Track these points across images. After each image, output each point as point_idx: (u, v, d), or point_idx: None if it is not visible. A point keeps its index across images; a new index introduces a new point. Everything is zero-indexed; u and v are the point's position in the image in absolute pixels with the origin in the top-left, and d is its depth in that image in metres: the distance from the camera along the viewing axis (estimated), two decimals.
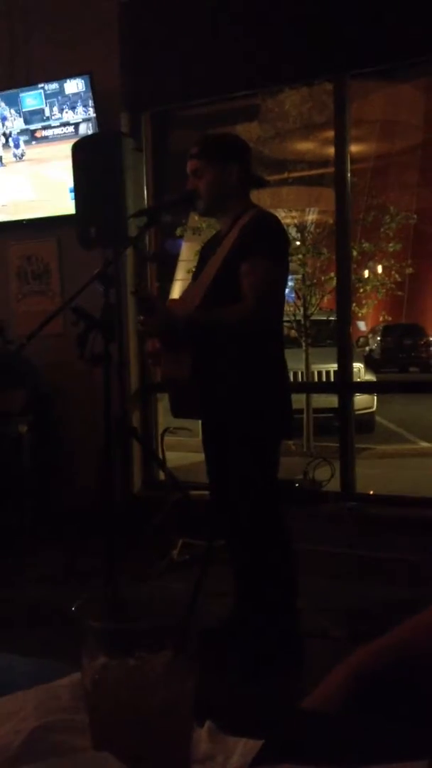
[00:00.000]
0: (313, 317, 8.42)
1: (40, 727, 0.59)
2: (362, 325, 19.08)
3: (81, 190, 3.73)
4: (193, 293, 2.58)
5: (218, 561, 2.41)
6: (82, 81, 4.12)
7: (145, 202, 4.24)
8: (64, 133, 4.26)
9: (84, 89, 4.13)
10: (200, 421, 2.71)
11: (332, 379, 7.03)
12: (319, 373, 8.00)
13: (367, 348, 18.89)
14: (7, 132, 4.45)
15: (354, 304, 8.10)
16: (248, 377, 2.41)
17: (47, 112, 4.31)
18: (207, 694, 0.63)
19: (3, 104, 4.42)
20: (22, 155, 4.45)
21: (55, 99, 4.26)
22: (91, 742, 0.56)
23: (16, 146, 4.44)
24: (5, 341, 4.18)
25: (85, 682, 0.55)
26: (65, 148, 3.94)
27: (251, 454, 2.45)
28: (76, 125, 4.22)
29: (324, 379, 7.96)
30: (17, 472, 4.00)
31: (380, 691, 0.78)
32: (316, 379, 8.04)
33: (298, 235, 8.51)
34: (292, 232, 8.30)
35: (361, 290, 9.16)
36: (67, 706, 0.63)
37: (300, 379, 7.71)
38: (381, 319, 20.04)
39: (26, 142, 4.42)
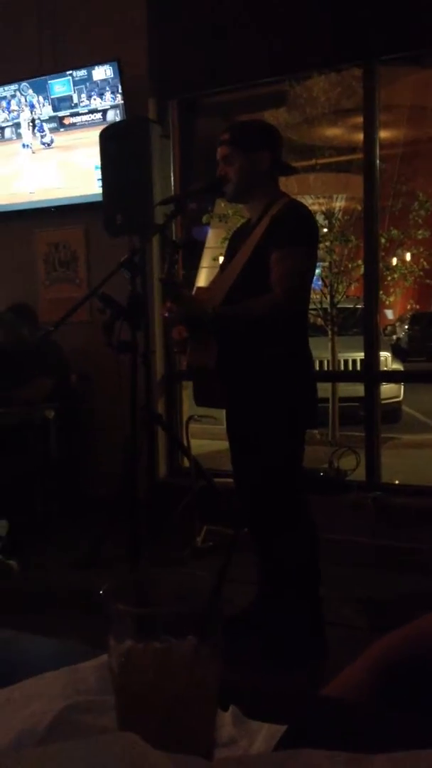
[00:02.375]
0: (340, 305, 8.35)
1: (68, 708, 0.60)
2: (390, 314, 18.89)
3: (108, 177, 3.74)
4: (222, 282, 2.58)
5: (242, 548, 2.42)
6: (110, 68, 4.12)
7: (172, 189, 4.24)
8: (92, 120, 4.27)
9: (112, 76, 4.13)
10: (224, 410, 2.72)
11: (359, 367, 6.99)
12: (346, 361, 7.95)
13: (394, 337, 18.71)
14: (36, 119, 4.46)
15: (381, 292, 8.03)
16: (273, 367, 2.40)
17: (75, 99, 4.32)
18: (231, 679, 0.64)
19: (31, 91, 4.44)
20: (51, 142, 4.47)
21: (83, 86, 4.26)
22: (117, 723, 0.57)
23: (42, 132, 4.46)
24: (34, 328, 4.21)
25: (112, 664, 0.56)
26: (93, 135, 3.95)
27: (276, 443, 2.46)
28: (104, 112, 4.23)
29: (350, 367, 7.91)
30: (44, 458, 4.04)
31: (402, 681, 0.78)
32: (342, 367, 7.99)
33: (326, 222, 8.43)
34: (320, 218, 8.22)
35: (389, 278, 9.05)
36: (93, 687, 0.64)
37: (326, 368, 7.67)
38: (409, 307, 19.82)
39: (54, 129, 4.44)
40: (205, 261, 10.72)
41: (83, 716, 0.60)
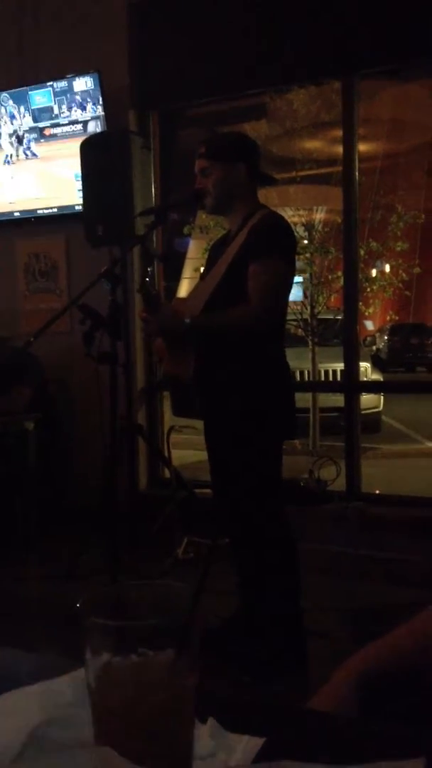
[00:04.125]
0: (320, 316, 8.41)
1: (44, 723, 0.60)
2: (369, 325, 19.02)
3: (89, 187, 3.74)
4: (200, 292, 2.58)
5: (222, 559, 2.41)
6: (91, 79, 4.12)
7: (153, 200, 4.25)
8: (73, 131, 4.27)
9: (93, 87, 4.14)
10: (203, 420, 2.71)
11: (339, 378, 7.03)
12: (326, 372, 8.00)
13: (374, 347, 18.84)
14: (18, 131, 4.46)
15: (361, 303, 8.08)
16: (250, 377, 2.41)
17: (56, 110, 4.32)
18: (210, 691, 0.64)
19: (12, 102, 4.44)
20: (32, 153, 4.46)
21: (63, 97, 4.27)
22: (94, 737, 0.56)
23: (25, 144, 4.45)
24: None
25: (89, 678, 0.56)
26: (74, 146, 3.95)
27: (253, 454, 2.46)
28: (85, 123, 4.23)
29: (330, 378, 7.95)
30: (23, 469, 4.01)
31: (381, 692, 0.78)
32: (322, 378, 8.03)
33: (306, 233, 8.50)
34: (300, 230, 8.29)
35: (369, 289, 9.13)
36: (70, 702, 0.63)
37: (306, 378, 7.71)
38: (388, 318, 19.99)
39: (35, 140, 4.43)
40: (187, 272, 10.75)
41: (60, 731, 0.60)
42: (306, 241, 8.35)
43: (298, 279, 7.75)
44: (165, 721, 0.54)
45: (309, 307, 8.30)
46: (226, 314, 2.40)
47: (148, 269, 2.62)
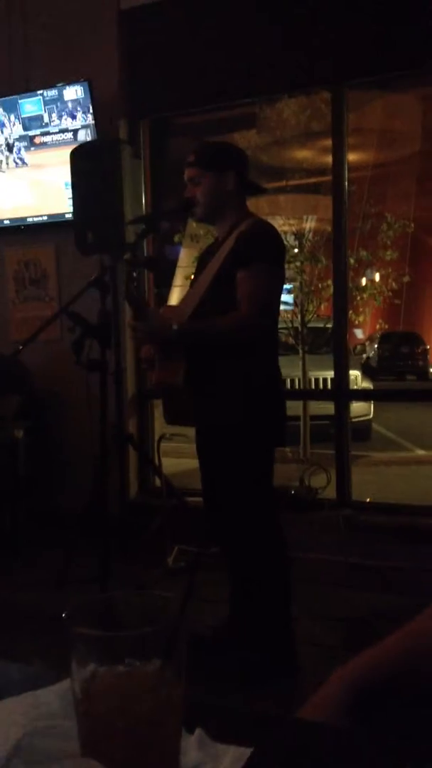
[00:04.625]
0: (310, 324, 8.44)
1: (30, 734, 0.59)
2: (360, 333, 19.12)
3: (79, 196, 3.74)
4: (189, 299, 2.59)
5: (213, 568, 2.41)
6: (81, 88, 4.13)
7: (143, 209, 4.25)
8: (63, 139, 4.27)
9: (83, 96, 4.14)
10: (194, 428, 2.71)
11: (329, 386, 7.04)
12: (316, 380, 8.01)
13: (364, 356, 18.92)
14: (10, 141, 4.46)
15: (351, 312, 8.11)
16: (241, 384, 2.41)
17: (46, 119, 4.32)
18: (199, 701, 0.63)
19: (2, 110, 4.44)
20: (22, 161, 4.46)
21: (54, 105, 4.27)
22: (80, 748, 0.56)
23: (18, 153, 4.45)
24: None
25: (75, 688, 0.55)
26: (64, 155, 3.95)
27: (244, 462, 2.45)
28: (75, 132, 4.23)
29: (321, 386, 7.97)
30: (12, 477, 3.99)
31: (372, 702, 0.78)
32: (312, 386, 8.05)
33: (296, 242, 8.53)
34: (290, 239, 8.32)
35: (359, 298, 9.18)
36: (56, 712, 0.63)
37: (297, 386, 7.72)
38: (378, 327, 20.08)
39: (25, 148, 4.43)
40: (178, 280, 10.77)
41: (46, 742, 0.59)
42: (296, 250, 8.38)
43: (287, 286, 7.77)
44: (151, 732, 0.54)
45: (299, 316, 8.32)
46: (215, 321, 2.41)
47: (134, 274, 2.62)
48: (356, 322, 10.29)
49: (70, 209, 3.99)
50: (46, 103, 4.29)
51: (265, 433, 2.48)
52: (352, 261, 7.81)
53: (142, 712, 0.54)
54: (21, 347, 2.80)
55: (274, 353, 2.55)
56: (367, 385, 9.46)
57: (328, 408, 4.79)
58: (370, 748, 0.61)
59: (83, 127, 4.19)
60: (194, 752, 0.59)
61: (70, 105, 4.21)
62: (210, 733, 0.61)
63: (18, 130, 4.42)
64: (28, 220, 4.46)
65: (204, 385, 2.43)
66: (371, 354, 19.79)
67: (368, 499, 4.52)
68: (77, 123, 4.21)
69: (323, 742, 0.62)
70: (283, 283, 2.57)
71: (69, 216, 4.06)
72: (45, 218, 4.39)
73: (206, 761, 0.59)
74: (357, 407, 8.00)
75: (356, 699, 0.78)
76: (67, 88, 4.18)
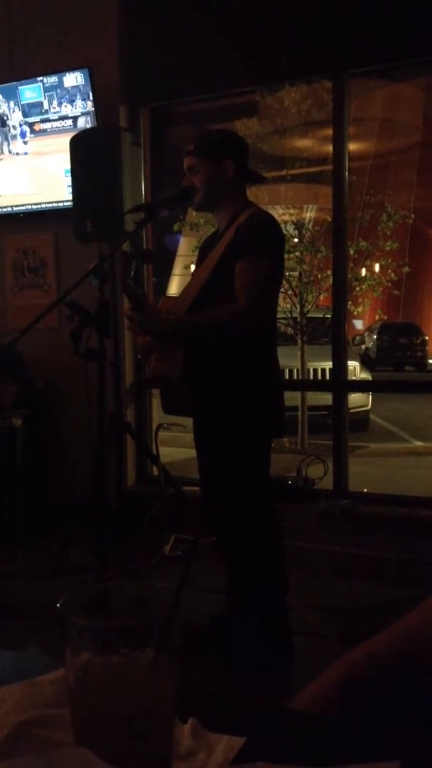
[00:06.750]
0: (310, 315, 8.43)
1: (24, 722, 0.59)
2: (359, 324, 19.11)
3: (78, 183, 3.72)
4: (188, 291, 2.58)
5: (209, 557, 2.41)
6: (81, 75, 4.10)
7: (143, 197, 4.23)
8: (63, 126, 4.25)
9: (83, 83, 4.11)
10: (192, 418, 2.71)
11: (327, 376, 7.04)
12: (314, 370, 8.02)
13: (363, 346, 18.89)
14: (14, 127, 4.43)
15: (350, 303, 8.11)
16: (239, 375, 2.41)
17: (46, 105, 4.29)
18: (191, 691, 0.64)
19: (1, 97, 4.41)
20: (22, 148, 4.44)
21: (54, 92, 4.24)
22: (73, 737, 0.56)
23: (23, 138, 4.42)
24: None
25: (69, 678, 0.56)
26: (64, 142, 3.93)
27: (242, 452, 2.46)
28: (75, 119, 4.21)
29: (319, 376, 7.97)
30: (10, 466, 4.00)
31: (367, 694, 0.78)
32: (311, 376, 8.05)
33: (296, 232, 8.51)
34: (290, 229, 8.30)
35: (358, 288, 9.17)
36: (50, 701, 0.63)
37: (295, 377, 7.72)
38: (377, 317, 20.03)
39: (22, 135, 4.41)
40: (177, 269, 10.75)
41: (40, 730, 0.59)
42: (296, 240, 8.36)
43: (286, 277, 7.75)
44: (144, 721, 0.54)
45: (299, 306, 8.31)
46: (213, 313, 2.40)
47: (129, 266, 2.60)
48: (355, 312, 10.29)
49: (70, 197, 3.96)
50: (46, 89, 4.26)
51: (263, 424, 2.48)
52: (352, 251, 7.80)
53: (135, 702, 0.54)
54: (19, 336, 2.79)
55: (272, 344, 2.55)
56: (365, 375, 9.47)
57: (326, 398, 4.80)
58: (364, 741, 0.61)
59: (83, 114, 4.17)
60: (187, 741, 0.60)
61: (70, 92, 4.19)
62: (203, 722, 0.62)
63: (18, 117, 4.39)
64: (27, 207, 4.44)
65: (202, 376, 2.43)
66: (370, 345, 19.78)
67: (365, 490, 4.53)
68: (77, 110, 4.19)
69: (317, 733, 0.63)
70: (282, 274, 2.57)
71: (68, 204, 4.04)
72: (44, 206, 4.37)
73: (199, 750, 0.59)
74: (355, 398, 8.01)
75: (352, 692, 0.79)
76: (68, 74, 4.15)
